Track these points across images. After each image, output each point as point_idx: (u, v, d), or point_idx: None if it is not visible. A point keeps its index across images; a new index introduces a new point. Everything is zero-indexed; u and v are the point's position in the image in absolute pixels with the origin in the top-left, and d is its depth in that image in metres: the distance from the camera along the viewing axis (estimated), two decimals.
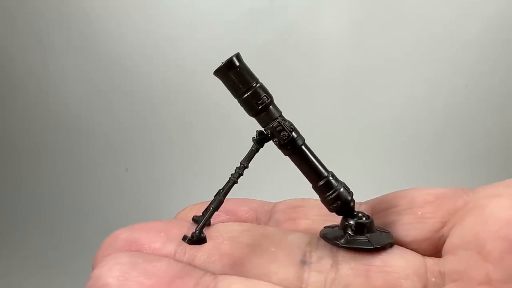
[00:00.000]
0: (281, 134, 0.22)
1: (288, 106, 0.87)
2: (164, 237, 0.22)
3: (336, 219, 0.24)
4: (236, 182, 0.22)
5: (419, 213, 0.23)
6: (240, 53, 0.22)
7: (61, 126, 0.82)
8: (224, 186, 0.23)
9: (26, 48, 0.80)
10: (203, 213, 0.24)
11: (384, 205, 0.24)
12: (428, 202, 0.23)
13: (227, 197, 0.23)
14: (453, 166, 0.79)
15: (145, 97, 0.81)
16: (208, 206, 0.24)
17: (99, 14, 0.79)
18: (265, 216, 0.26)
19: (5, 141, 0.83)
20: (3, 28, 0.79)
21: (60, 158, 0.82)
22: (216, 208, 0.22)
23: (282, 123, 0.22)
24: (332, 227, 0.24)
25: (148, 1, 0.78)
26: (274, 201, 0.27)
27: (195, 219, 0.24)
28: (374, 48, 0.78)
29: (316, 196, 0.24)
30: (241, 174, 0.22)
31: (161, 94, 0.81)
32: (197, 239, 0.22)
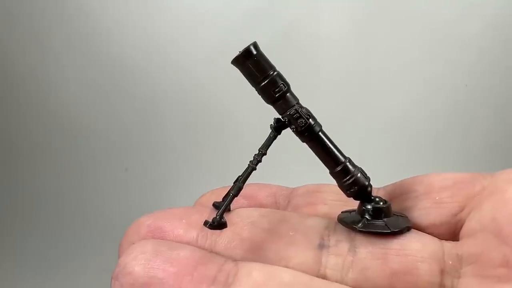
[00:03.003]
0: (298, 121, 0.22)
1: None
2: (186, 224, 0.23)
3: (354, 205, 0.24)
4: (255, 169, 0.22)
5: (437, 198, 0.23)
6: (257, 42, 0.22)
7: (61, 126, 0.82)
8: (243, 173, 0.23)
9: (26, 48, 0.80)
10: (223, 198, 0.25)
11: (401, 190, 0.25)
12: (445, 187, 0.23)
13: (246, 182, 0.24)
14: (453, 166, 0.79)
15: (145, 97, 0.81)
16: (227, 192, 0.24)
17: (99, 14, 0.79)
18: (284, 201, 0.27)
19: (4, 141, 0.83)
20: (3, 28, 0.79)
21: (60, 158, 0.82)
22: (236, 194, 0.23)
23: (299, 110, 0.23)
24: (350, 211, 0.24)
25: (148, 1, 0.78)
26: (292, 187, 0.28)
27: (215, 205, 0.25)
28: (374, 48, 0.78)
29: (334, 182, 0.24)
30: (260, 161, 0.23)
31: (161, 94, 0.81)
32: (217, 224, 0.22)
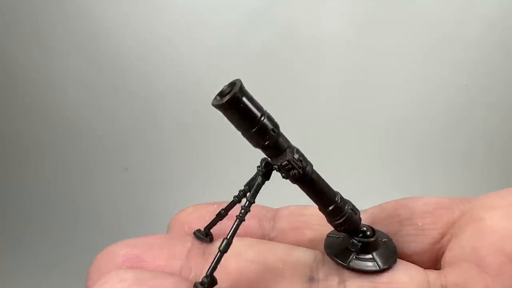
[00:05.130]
0: (291, 172, 0.20)
1: (289, 106, 0.87)
2: (167, 254, 0.22)
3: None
4: (244, 220, 0.20)
5: (420, 224, 0.23)
6: (242, 80, 0.19)
7: (61, 126, 0.82)
8: (233, 226, 0.20)
9: (25, 48, 0.80)
10: (206, 227, 0.24)
11: (385, 214, 0.25)
12: (427, 212, 0.23)
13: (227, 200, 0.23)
14: (453, 166, 0.79)
15: (145, 97, 0.81)
16: (213, 221, 0.23)
17: (99, 14, 0.79)
18: (269, 224, 0.26)
19: (4, 141, 0.83)
20: (3, 28, 0.79)
21: (59, 158, 0.82)
22: (225, 251, 0.20)
23: (291, 162, 0.20)
24: (336, 237, 0.24)
25: (148, 2, 0.78)
26: (274, 207, 0.27)
27: (197, 235, 0.24)
28: (374, 48, 0.78)
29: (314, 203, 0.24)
30: (249, 211, 0.21)
31: (161, 94, 0.81)
32: (209, 285, 0.20)
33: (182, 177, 0.79)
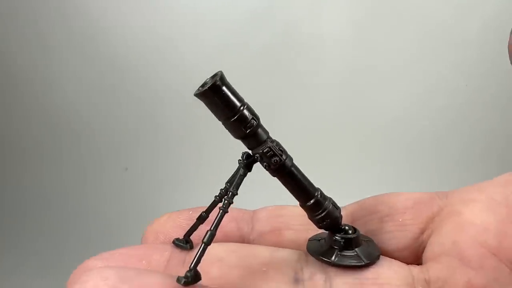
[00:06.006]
0: (272, 159, 0.21)
1: (289, 106, 0.87)
2: (146, 265, 0.21)
3: (317, 229, 0.24)
4: (227, 212, 0.20)
5: (400, 220, 0.23)
6: (223, 72, 0.20)
7: (60, 126, 0.82)
8: (216, 218, 0.20)
9: (25, 49, 0.80)
10: (186, 234, 0.23)
11: (364, 211, 0.25)
12: (407, 208, 0.23)
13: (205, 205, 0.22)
14: (453, 166, 0.79)
15: (145, 97, 0.81)
16: (193, 225, 0.23)
17: (99, 14, 0.79)
18: (248, 227, 0.25)
19: (4, 141, 0.83)
20: (3, 28, 0.79)
21: (59, 158, 0.82)
22: (209, 243, 0.20)
23: (273, 148, 0.20)
24: (318, 239, 0.24)
25: (148, 2, 0.78)
26: (251, 209, 0.27)
27: (177, 244, 0.23)
28: (374, 48, 0.78)
29: (291, 202, 0.23)
30: (231, 203, 0.21)
31: (161, 94, 0.81)
32: (192, 279, 0.19)
33: (182, 177, 0.79)
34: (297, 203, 0.23)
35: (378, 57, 0.78)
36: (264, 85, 0.77)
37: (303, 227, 0.25)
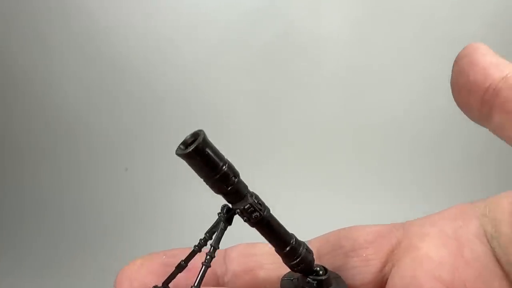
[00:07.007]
0: (253, 215, 0.21)
1: (288, 105, 0.87)
2: None
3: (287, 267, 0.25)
4: (210, 266, 0.21)
5: (364, 255, 0.24)
6: (204, 131, 0.20)
7: (61, 126, 0.82)
8: (199, 275, 0.21)
9: (26, 49, 0.80)
10: (164, 282, 0.23)
11: (330, 247, 0.26)
12: (369, 242, 0.24)
13: (176, 247, 0.23)
14: (453, 165, 0.79)
15: (145, 97, 0.81)
16: (171, 275, 0.23)
17: (100, 14, 0.79)
18: (221, 268, 0.26)
19: (5, 141, 0.83)
20: (4, 28, 0.79)
21: (60, 158, 0.82)
22: None
23: (254, 205, 0.21)
24: (291, 279, 0.25)
25: (148, 2, 0.78)
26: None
27: None
28: (374, 48, 0.78)
29: (262, 239, 0.24)
30: (213, 257, 0.21)
31: (161, 94, 0.81)
32: None
33: (183, 177, 0.79)
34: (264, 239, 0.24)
35: (378, 57, 0.78)
36: (264, 84, 0.77)
37: (274, 265, 0.25)
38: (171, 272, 0.23)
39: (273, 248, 0.24)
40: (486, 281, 0.20)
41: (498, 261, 0.20)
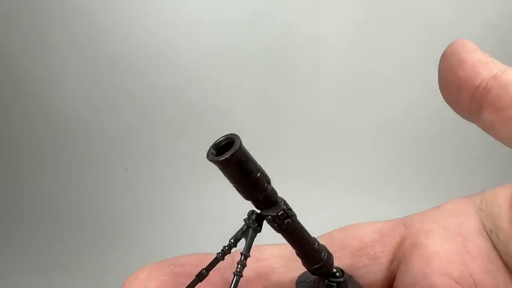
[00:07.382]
0: (285, 221, 0.21)
1: (288, 106, 0.87)
2: None
3: (301, 266, 0.24)
4: (242, 275, 0.20)
5: (372, 253, 0.24)
6: (239, 137, 0.19)
7: (61, 126, 0.82)
8: (231, 284, 0.20)
9: (26, 49, 0.80)
10: None
11: (336, 246, 0.25)
12: (375, 240, 0.24)
13: (182, 255, 0.22)
14: (453, 165, 0.79)
15: (145, 97, 0.81)
16: (191, 284, 0.21)
17: (100, 14, 0.79)
18: (232, 275, 0.26)
19: (5, 141, 0.83)
20: (4, 28, 0.79)
21: (60, 158, 0.82)
22: None
23: (286, 211, 0.21)
24: (307, 281, 0.24)
25: (148, 2, 0.78)
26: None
27: None
28: (374, 48, 0.78)
29: (269, 240, 0.24)
30: (246, 266, 0.20)
31: (161, 94, 0.81)
32: None
33: (183, 177, 0.79)
34: (267, 241, 0.23)
35: (377, 57, 0.78)
36: (264, 84, 0.77)
37: (286, 268, 0.25)
38: (191, 281, 0.21)
39: (280, 250, 0.24)
40: (492, 274, 0.20)
41: (499, 254, 0.21)
